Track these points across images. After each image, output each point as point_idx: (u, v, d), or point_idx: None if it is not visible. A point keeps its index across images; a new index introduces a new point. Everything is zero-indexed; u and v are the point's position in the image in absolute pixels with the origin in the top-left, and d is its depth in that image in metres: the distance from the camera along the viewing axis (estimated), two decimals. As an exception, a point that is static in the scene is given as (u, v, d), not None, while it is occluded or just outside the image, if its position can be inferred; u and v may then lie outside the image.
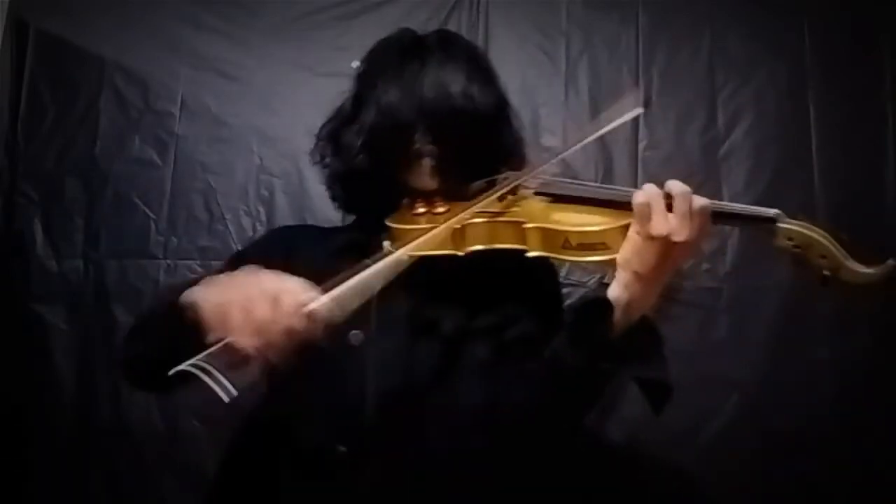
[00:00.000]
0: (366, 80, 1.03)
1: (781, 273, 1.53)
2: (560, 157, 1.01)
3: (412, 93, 0.96)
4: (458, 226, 0.88)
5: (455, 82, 0.96)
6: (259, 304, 0.72)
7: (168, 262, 1.64)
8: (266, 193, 1.67)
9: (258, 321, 0.72)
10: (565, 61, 1.71)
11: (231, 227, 1.66)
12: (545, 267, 1.05)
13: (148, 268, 1.63)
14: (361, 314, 0.83)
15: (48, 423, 1.58)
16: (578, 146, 0.95)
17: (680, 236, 0.76)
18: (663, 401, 0.85)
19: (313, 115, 1.11)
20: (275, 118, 1.68)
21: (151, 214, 1.66)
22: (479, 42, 1.69)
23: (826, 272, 0.79)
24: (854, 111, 1.67)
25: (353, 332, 0.90)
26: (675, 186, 0.79)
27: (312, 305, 0.74)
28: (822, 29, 1.70)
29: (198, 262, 1.63)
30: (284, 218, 1.64)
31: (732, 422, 1.54)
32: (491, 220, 0.89)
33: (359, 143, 0.99)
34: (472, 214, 0.88)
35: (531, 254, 0.85)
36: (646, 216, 0.77)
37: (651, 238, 0.77)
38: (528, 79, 1.70)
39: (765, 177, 1.65)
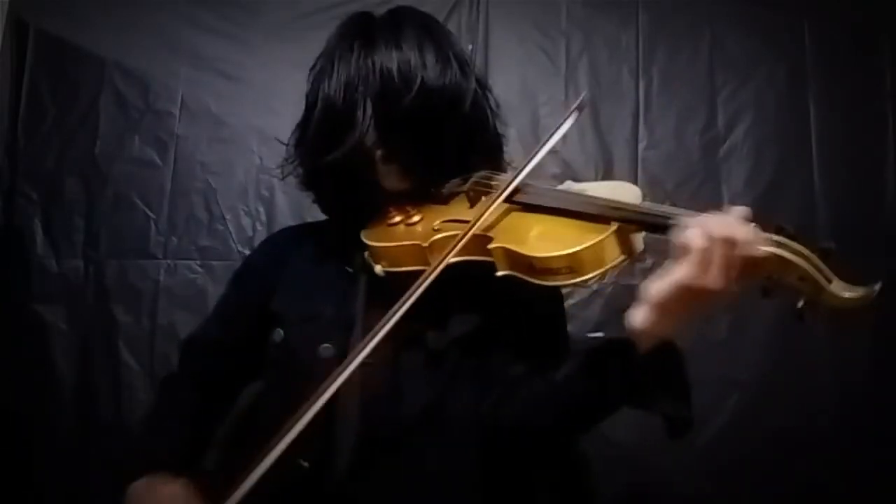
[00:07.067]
0: (317, 74, 0.95)
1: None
2: (521, 172, 0.87)
3: (352, 83, 0.86)
4: (426, 244, 0.83)
5: (400, 66, 0.85)
6: None
7: (168, 262, 1.64)
8: (266, 193, 1.67)
9: None
10: (565, 61, 1.71)
11: (231, 227, 1.66)
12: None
13: (148, 268, 1.63)
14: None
15: (48, 423, 1.58)
16: (535, 160, 0.88)
17: (718, 285, 0.67)
18: (682, 430, 0.79)
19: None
20: (275, 118, 1.67)
21: (151, 214, 1.66)
22: (479, 42, 1.69)
23: (802, 304, 0.66)
24: (854, 111, 1.67)
25: (324, 345, 0.85)
26: (740, 234, 0.66)
27: None
28: (822, 29, 1.70)
29: (198, 262, 1.64)
30: (284, 218, 1.64)
31: (732, 422, 1.54)
32: (461, 234, 0.81)
33: (312, 146, 0.92)
34: (453, 239, 0.81)
35: (500, 273, 0.79)
36: (702, 266, 0.66)
37: (688, 285, 0.66)
38: (528, 79, 1.70)
39: (765, 177, 1.65)
